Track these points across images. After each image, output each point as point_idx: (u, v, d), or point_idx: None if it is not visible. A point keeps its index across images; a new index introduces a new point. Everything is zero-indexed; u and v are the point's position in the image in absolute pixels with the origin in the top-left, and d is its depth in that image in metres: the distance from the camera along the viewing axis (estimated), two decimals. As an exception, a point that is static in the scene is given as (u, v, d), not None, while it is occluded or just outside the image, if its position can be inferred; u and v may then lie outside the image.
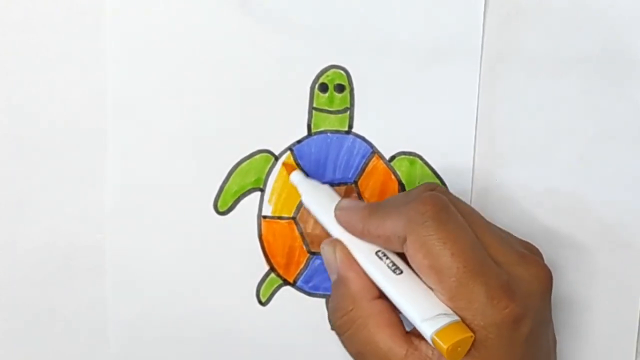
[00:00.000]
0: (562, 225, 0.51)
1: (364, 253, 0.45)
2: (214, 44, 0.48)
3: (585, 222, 0.51)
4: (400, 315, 0.44)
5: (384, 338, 0.43)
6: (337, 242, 0.46)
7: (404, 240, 0.43)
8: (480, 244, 0.43)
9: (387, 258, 0.44)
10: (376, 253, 0.45)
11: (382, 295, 0.45)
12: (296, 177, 0.49)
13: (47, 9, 0.47)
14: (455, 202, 0.45)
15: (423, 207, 0.43)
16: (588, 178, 0.51)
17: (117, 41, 0.48)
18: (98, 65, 0.48)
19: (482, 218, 0.45)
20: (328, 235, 0.48)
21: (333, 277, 0.46)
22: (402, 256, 0.44)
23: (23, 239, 0.49)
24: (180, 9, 0.48)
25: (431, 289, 0.43)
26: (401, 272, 0.44)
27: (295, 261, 0.51)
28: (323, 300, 0.51)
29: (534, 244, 0.46)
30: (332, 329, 0.46)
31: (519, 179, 0.51)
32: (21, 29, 0.47)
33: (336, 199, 0.47)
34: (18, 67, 0.48)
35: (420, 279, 0.43)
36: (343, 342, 0.45)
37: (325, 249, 0.46)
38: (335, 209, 0.46)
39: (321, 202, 0.47)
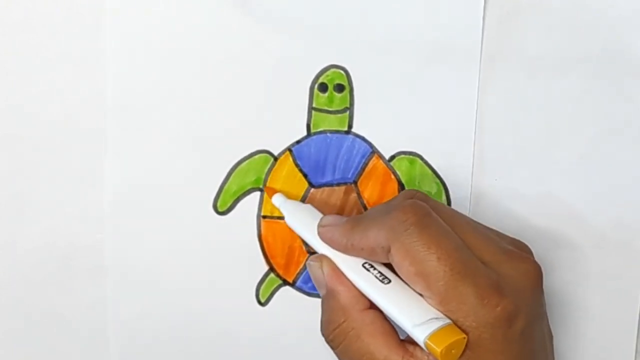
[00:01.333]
0: (562, 225, 0.51)
1: (351, 266, 0.45)
2: (214, 44, 0.48)
3: (585, 222, 0.51)
4: (394, 324, 0.44)
5: (379, 347, 0.43)
6: (324, 257, 0.46)
7: (389, 250, 0.43)
8: (465, 246, 0.43)
9: (374, 269, 0.45)
10: (363, 265, 0.45)
11: (372, 306, 0.45)
12: (277, 199, 0.49)
13: (47, 9, 0.47)
14: (436, 206, 0.45)
15: (404, 215, 0.43)
16: (588, 178, 0.51)
17: (117, 41, 0.48)
18: (98, 65, 0.48)
19: (465, 218, 0.45)
20: None
21: (322, 292, 0.46)
22: (389, 266, 0.44)
23: (23, 239, 0.49)
24: (180, 8, 0.48)
25: (420, 295, 0.43)
26: (389, 281, 0.44)
27: (295, 261, 0.51)
28: (322, 301, 0.51)
29: (529, 242, 0.46)
30: (326, 342, 0.46)
31: (519, 178, 0.51)
32: (21, 29, 0.47)
33: (318, 216, 0.47)
34: (18, 67, 0.48)
35: (409, 286, 0.43)
36: (337, 355, 0.45)
37: (312, 265, 0.47)
38: (318, 226, 0.46)
39: (304, 221, 0.48)
